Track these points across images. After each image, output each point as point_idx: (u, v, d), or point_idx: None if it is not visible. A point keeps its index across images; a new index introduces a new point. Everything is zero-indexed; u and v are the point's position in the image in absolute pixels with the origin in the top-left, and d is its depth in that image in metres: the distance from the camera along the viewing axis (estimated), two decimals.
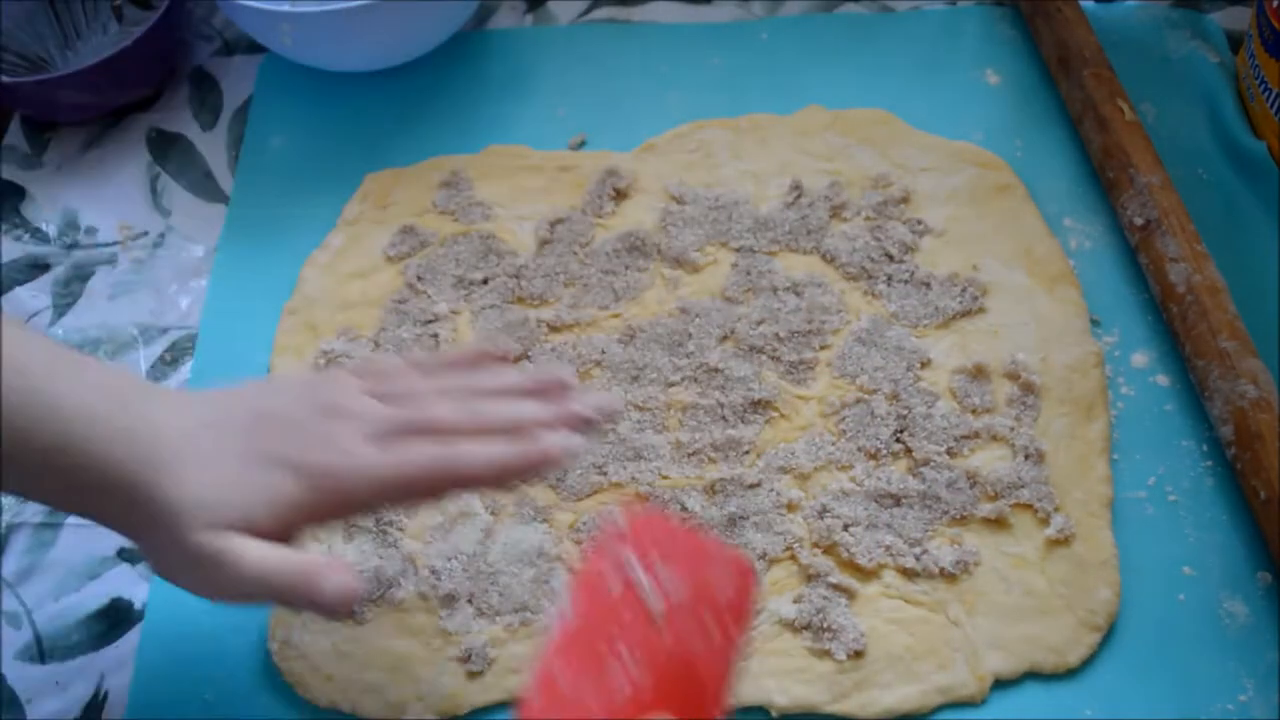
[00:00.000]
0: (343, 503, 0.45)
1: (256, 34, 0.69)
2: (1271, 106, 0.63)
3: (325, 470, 0.44)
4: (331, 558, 0.50)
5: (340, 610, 0.44)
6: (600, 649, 0.40)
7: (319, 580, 0.43)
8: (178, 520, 0.43)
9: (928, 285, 0.61)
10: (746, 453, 0.56)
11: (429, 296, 0.63)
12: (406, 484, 0.45)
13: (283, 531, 0.44)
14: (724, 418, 0.57)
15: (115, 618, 0.56)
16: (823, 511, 0.54)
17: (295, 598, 0.44)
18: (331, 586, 0.43)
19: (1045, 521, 0.54)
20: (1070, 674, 0.51)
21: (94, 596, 0.57)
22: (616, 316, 0.61)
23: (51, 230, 0.70)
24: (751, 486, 0.55)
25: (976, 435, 0.56)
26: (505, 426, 0.46)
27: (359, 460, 0.44)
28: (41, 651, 0.56)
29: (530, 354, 0.60)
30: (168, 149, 0.72)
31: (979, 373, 0.58)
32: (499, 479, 0.46)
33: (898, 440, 0.56)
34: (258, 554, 0.43)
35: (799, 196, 0.64)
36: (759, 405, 0.57)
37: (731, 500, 0.55)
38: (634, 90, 0.71)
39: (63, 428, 0.42)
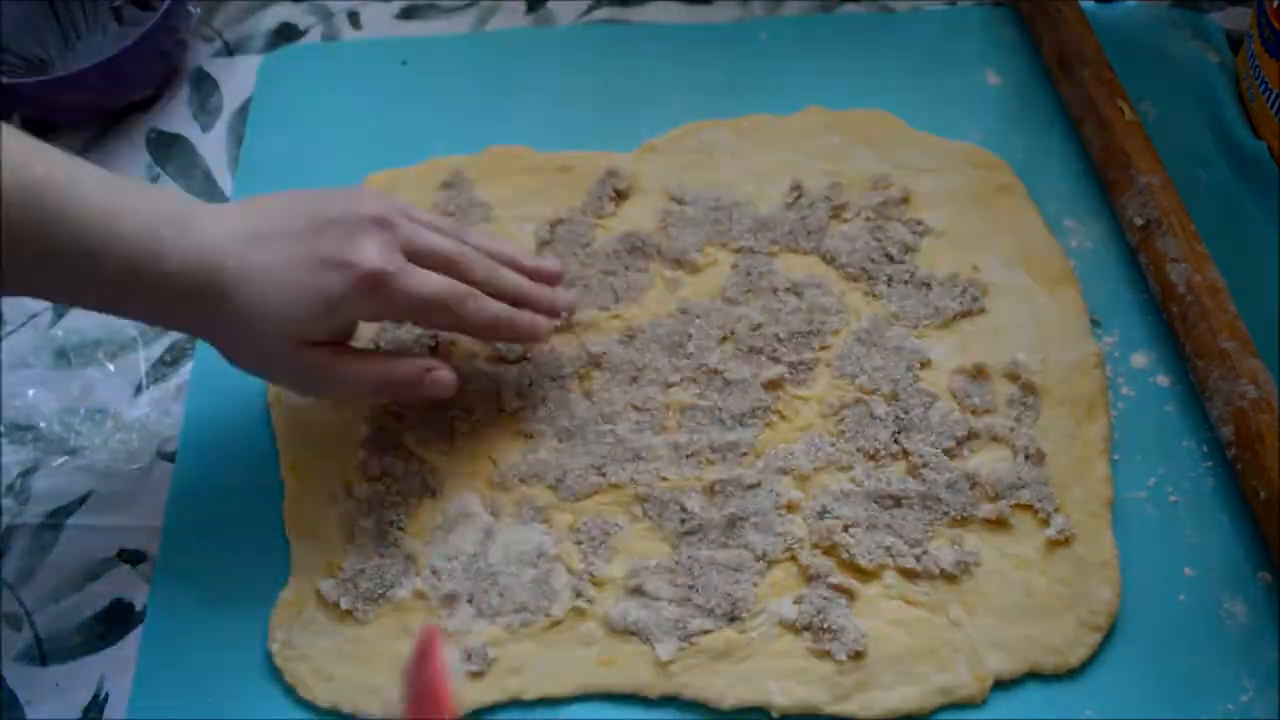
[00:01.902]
0: (385, 307, 0.51)
1: None
2: (1271, 106, 0.63)
3: (370, 273, 0.49)
4: (417, 360, 0.55)
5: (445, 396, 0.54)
6: None
7: (414, 388, 0.53)
8: (254, 331, 0.50)
9: (928, 286, 0.61)
10: (745, 454, 0.56)
11: None
12: (428, 306, 0.51)
13: (345, 327, 0.52)
14: (722, 420, 0.57)
15: (115, 619, 0.56)
16: (823, 512, 0.54)
17: (397, 396, 0.57)
18: (429, 389, 0.54)
19: (1045, 522, 0.54)
20: (1070, 674, 0.51)
21: (94, 598, 0.57)
22: (617, 317, 0.61)
23: None
24: (751, 487, 0.55)
25: (976, 436, 0.56)
26: (510, 294, 0.55)
27: (401, 273, 0.50)
28: (42, 653, 0.56)
29: (530, 355, 0.60)
30: (168, 149, 0.72)
31: (979, 373, 0.58)
32: (488, 331, 0.55)
33: (896, 441, 0.56)
34: (338, 364, 0.52)
35: (799, 197, 0.64)
36: (758, 407, 0.57)
37: (731, 501, 0.55)
38: (634, 90, 0.71)
39: (129, 253, 0.47)
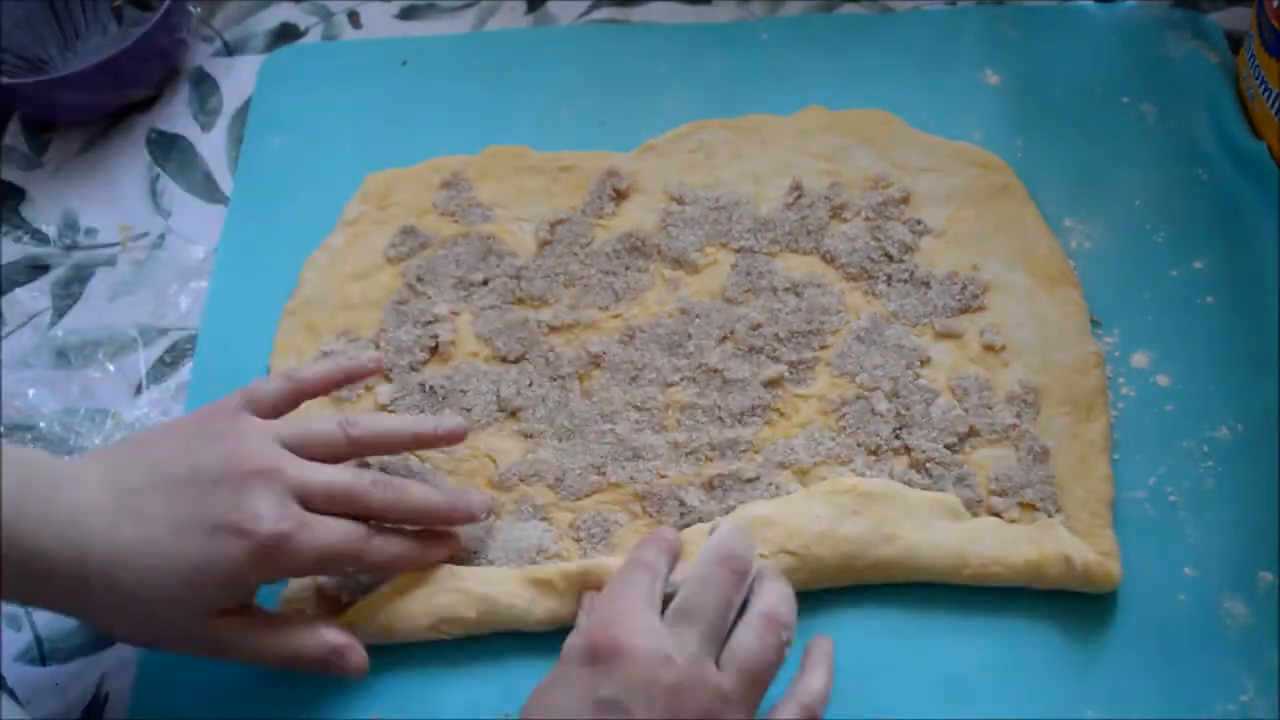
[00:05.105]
0: (290, 568, 0.48)
1: None
2: (1271, 106, 0.63)
3: (270, 538, 0.46)
4: (328, 633, 0.50)
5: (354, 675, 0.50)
6: None
7: (322, 667, 0.49)
8: (144, 612, 0.46)
9: (927, 285, 0.61)
10: (744, 451, 0.56)
11: (429, 298, 0.63)
12: (332, 557, 0.48)
13: (246, 595, 0.48)
14: (722, 418, 0.57)
15: None
16: None
17: (305, 673, 0.50)
18: (336, 668, 0.49)
19: None
20: (1070, 673, 0.51)
21: None
22: (616, 317, 0.61)
23: (51, 231, 0.70)
24: (750, 481, 0.55)
25: (977, 433, 0.56)
26: (417, 511, 0.51)
27: (302, 528, 0.47)
28: (42, 653, 0.56)
29: (529, 355, 0.60)
30: (168, 149, 0.73)
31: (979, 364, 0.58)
32: (391, 569, 0.51)
33: (898, 436, 0.56)
34: (244, 637, 0.48)
35: (799, 197, 0.64)
36: (758, 405, 0.57)
37: (730, 495, 0.55)
38: (634, 90, 0.71)
39: None
